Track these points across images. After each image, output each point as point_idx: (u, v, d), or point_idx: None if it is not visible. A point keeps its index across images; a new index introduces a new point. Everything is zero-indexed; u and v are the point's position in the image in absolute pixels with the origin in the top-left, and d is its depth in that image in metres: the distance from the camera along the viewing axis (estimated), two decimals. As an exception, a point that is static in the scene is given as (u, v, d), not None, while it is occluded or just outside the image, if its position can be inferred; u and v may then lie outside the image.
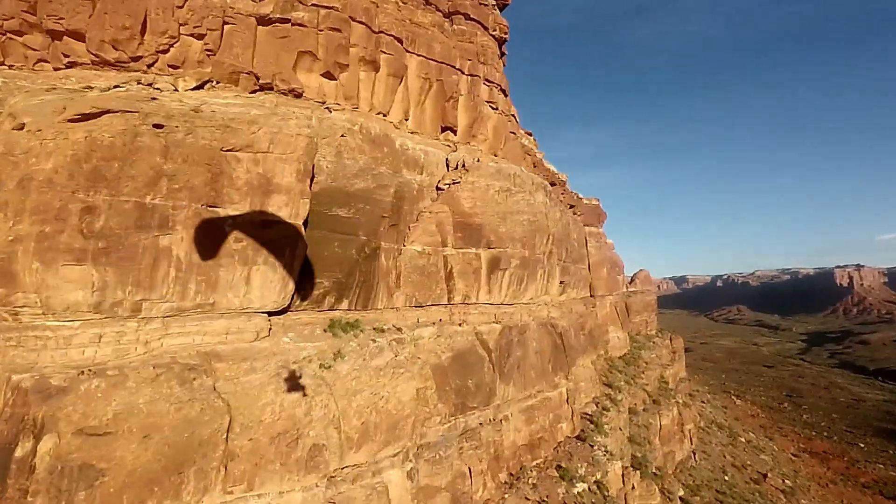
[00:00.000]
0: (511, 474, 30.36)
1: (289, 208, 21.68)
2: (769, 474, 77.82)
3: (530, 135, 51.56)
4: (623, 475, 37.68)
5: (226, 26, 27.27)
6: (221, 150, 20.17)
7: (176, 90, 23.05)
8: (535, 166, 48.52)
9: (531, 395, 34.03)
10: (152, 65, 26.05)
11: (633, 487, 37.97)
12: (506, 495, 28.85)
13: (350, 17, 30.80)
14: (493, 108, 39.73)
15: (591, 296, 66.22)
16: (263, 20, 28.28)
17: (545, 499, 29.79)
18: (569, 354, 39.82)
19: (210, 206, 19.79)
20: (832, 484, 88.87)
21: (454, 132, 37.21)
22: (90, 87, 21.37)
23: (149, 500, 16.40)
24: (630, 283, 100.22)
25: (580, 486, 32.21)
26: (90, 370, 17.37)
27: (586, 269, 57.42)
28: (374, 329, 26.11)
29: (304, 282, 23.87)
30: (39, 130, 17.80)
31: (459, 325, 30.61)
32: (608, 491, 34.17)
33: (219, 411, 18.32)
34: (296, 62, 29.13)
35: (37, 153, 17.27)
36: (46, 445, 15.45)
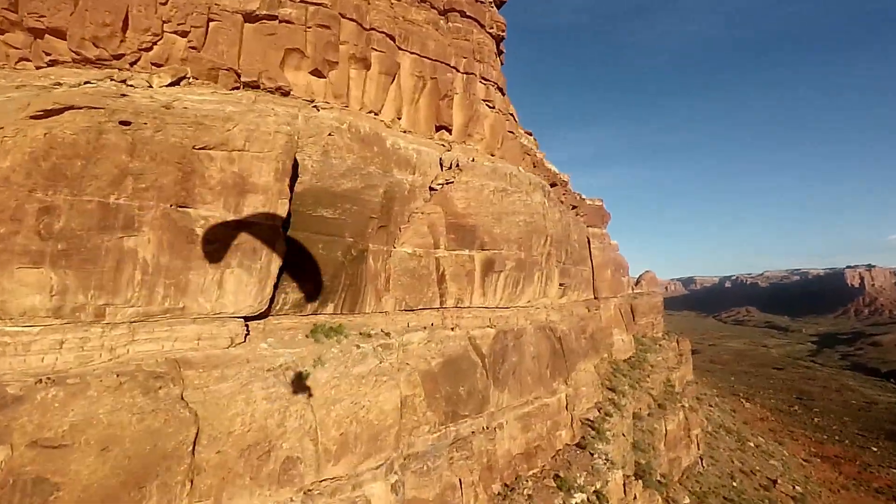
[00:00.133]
0: (505, 485, 28.86)
1: (266, 208, 20.46)
2: (779, 480, 75.37)
3: (530, 134, 50.11)
4: (624, 484, 36.01)
5: (211, 23, 26.18)
6: (193, 147, 19.01)
7: (151, 87, 21.89)
8: (535, 166, 47.06)
9: (528, 402, 32.53)
10: (135, 63, 25.01)
11: (635, 498, 36.31)
12: (499, 507, 27.43)
13: (340, 13, 29.65)
14: (489, 107, 38.37)
15: (595, 298, 64.50)
16: (250, 17, 27.19)
17: (541, 510, 28.32)
18: (568, 359, 38.24)
19: (180, 207, 18.63)
20: (844, 489, 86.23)
21: (449, 131, 35.93)
22: (60, 84, 20.32)
23: (106, 517, 15.23)
24: (636, 285, 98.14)
25: (578, 497, 30.62)
26: (49, 378, 16.23)
27: (588, 271, 55.76)
28: (361, 334, 24.81)
29: (285, 285, 22.65)
30: (1, 128, 16.76)
31: (452, 329, 29.22)
32: (608, 501, 32.54)
33: (185, 422, 17.10)
34: (283, 60, 28.00)
35: (-5, 151, 16.22)
36: (-2, 458, 14.35)
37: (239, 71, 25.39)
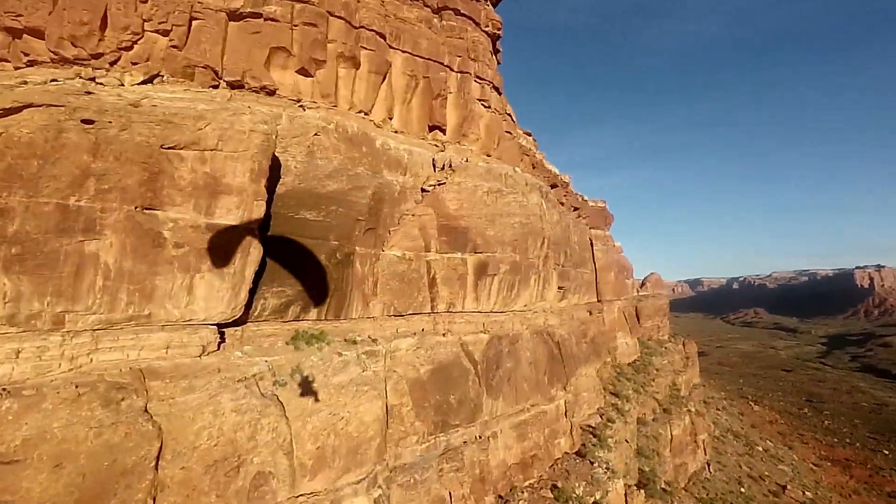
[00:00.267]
0: (499, 497, 27.37)
1: (240, 211, 19.26)
2: (788, 485, 72.97)
3: (529, 135, 48.68)
4: (626, 494, 34.33)
5: (194, 22, 25.11)
6: (161, 147, 17.86)
7: (122, 85, 20.83)
8: (534, 167, 45.62)
9: (524, 410, 31.02)
10: (115, 62, 23.96)
11: (637, 507, 34.65)
12: (492, 520, 25.97)
13: (328, 11, 28.50)
14: (485, 107, 37.02)
15: (598, 301, 62.79)
16: (234, 15, 26.12)
17: (536, 523, 26.83)
18: (567, 364, 36.69)
19: (147, 209, 17.48)
20: (855, 494, 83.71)
21: (443, 131, 34.62)
22: (25, 83, 19.28)
23: (57, 539, 14.05)
24: (641, 287, 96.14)
25: (576, 508, 29.07)
26: (4, 389, 15.11)
27: (589, 274, 54.10)
28: (346, 341, 23.52)
29: (264, 290, 21.45)
30: (-43, 128, 15.74)
31: (443, 335, 27.84)
32: (608, 512, 30.95)
33: (147, 436, 15.88)
34: (269, 59, 26.86)
35: (-53, 152, 15.18)
36: (-57, 477, 13.24)
37: (217, 69, 24.28)
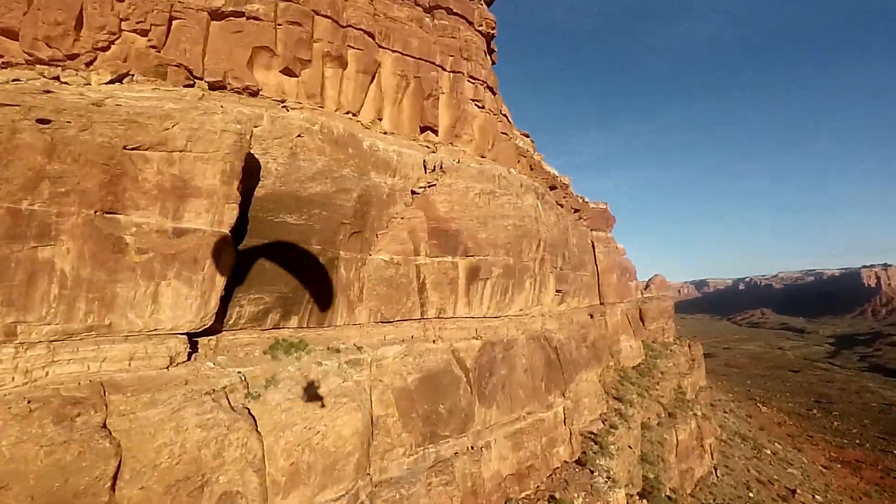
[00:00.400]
0: (493, 509, 25.88)
1: (210, 214, 18.03)
2: (798, 490, 70.55)
3: (527, 136, 47.21)
4: (627, 504, 32.69)
5: (174, 21, 24.00)
6: (125, 148, 16.67)
7: (88, 84, 19.70)
8: (531, 168, 44.13)
9: (519, 418, 29.50)
10: (91, 63, 22.94)
11: (639, 518, 32.92)
12: (485, 534, 24.46)
13: (313, 10, 27.31)
14: (479, 107, 35.65)
15: (601, 303, 61.07)
16: (216, 14, 24.99)
17: (532, 537, 25.28)
18: (566, 369, 35.10)
19: (107, 213, 16.27)
20: (866, 496, 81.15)
21: (436, 132, 33.27)
22: (-14, 83, 18.21)
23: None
24: (645, 289, 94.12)
25: (575, 520, 27.51)
26: (-48, 407, 13.98)
27: (589, 276, 52.43)
28: (329, 349, 22.19)
29: (240, 297, 20.19)
30: None
31: (433, 341, 26.45)
32: (608, 524, 29.31)
33: (103, 455, 14.60)
34: (251, 58, 25.70)
35: None
36: None
37: (192, 68, 23.09)
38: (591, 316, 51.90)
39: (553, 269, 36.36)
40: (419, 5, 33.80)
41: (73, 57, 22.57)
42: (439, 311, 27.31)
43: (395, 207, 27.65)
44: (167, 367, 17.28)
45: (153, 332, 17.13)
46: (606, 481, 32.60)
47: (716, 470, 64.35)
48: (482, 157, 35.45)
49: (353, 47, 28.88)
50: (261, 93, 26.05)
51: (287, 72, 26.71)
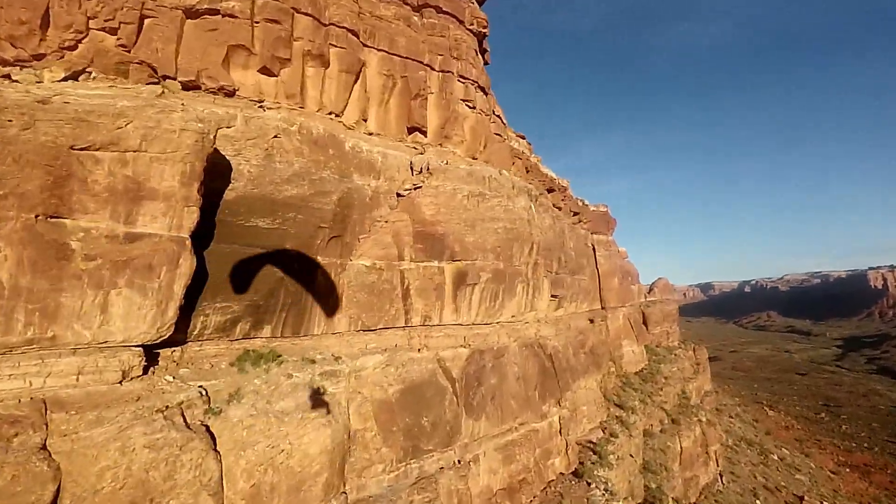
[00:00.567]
0: (481, 528, 24.18)
1: (167, 218, 16.64)
2: (806, 496, 67.91)
3: (523, 138, 45.61)
4: (626, 518, 30.78)
5: (146, 20, 22.72)
6: (72, 148, 15.32)
7: (41, 82, 18.42)
8: (527, 171, 42.48)
9: (511, 429, 27.78)
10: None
11: (638, 533, 31.01)
12: (472, 555, 22.76)
13: (293, 8, 25.95)
14: (469, 108, 34.13)
15: (602, 308, 59.16)
16: (190, 12, 23.64)
17: (523, 557, 23.53)
18: (561, 377, 33.33)
19: (51, 217, 14.91)
20: (875, 502, 78.31)
21: (424, 133, 31.77)
22: (-70, 82, 16.98)
23: None
24: (649, 293, 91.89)
25: (569, 538, 25.70)
26: None
27: (588, 281, 50.56)
28: (304, 360, 20.67)
29: (205, 306, 18.75)
30: None
31: (419, 350, 24.87)
32: (605, 541, 27.47)
33: (40, 478, 13.15)
34: (227, 57, 24.34)
35: None
36: None
37: (155, 65, 21.70)
38: (592, 321, 50.03)
39: (548, 274, 34.67)
40: (407, 4, 32.41)
41: (39, 57, 21.25)
42: (424, 318, 25.72)
43: (379, 210, 26.17)
44: (120, 382, 15.84)
45: (104, 345, 15.70)
46: (604, 494, 30.79)
47: (721, 477, 61.98)
48: (473, 158, 33.91)
49: (336, 46, 27.50)
50: (238, 93, 24.70)
51: (265, 71, 25.36)
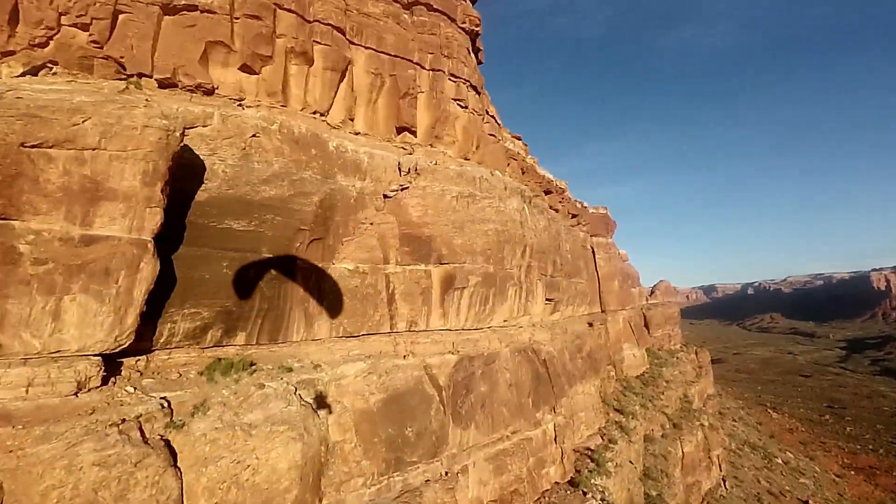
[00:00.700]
0: (469, 542, 22.84)
1: (127, 220, 15.50)
2: (811, 501, 66.08)
3: (519, 138, 44.35)
4: (623, 530, 29.33)
5: (120, 16, 21.67)
6: (22, 145, 14.21)
7: (-1, 78, 17.38)
8: (523, 172, 41.22)
9: (502, 438, 26.43)
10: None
11: (636, 545, 29.55)
12: (459, 571, 21.42)
13: (275, 4, 24.86)
14: (461, 107, 32.93)
15: (602, 311, 57.69)
16: (168, 8, 22.59)
17: (513, 573, 22.16)
18: (556, 383, 31.95)
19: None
20: (881, 505, 76.31)
21: (414, 134, 30.58)
22: None
23: None
24: (651, 296, 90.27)
25: (562, 552, 24.32)
26: None
27: (586, 284, 49.10)
28: (281, 368, 19.48)
29: (172, 312, 17.58)
30: None
31: (404, 357, 23.59)
32: (600, 555, 26.05)
33: (-24, 503, 12.04)
34: (206, 54, 23.26)
35: None
36: None
37: (123, 61, 20.64)
38: (591, 325, 48.58)
39: (542, 277, 33.34)
40: (397, 1, 31.27)
41: (8, 54, 20.22)
42: (410, 323, 24.48)
43: (364, 212, 24.96)
44: (75, 394, 14.66)
45: (57, 354, 14.54)
46: (601, 503, 29.38)
47: (724, 482, 60.26)
48: (466, 159, 32.70)
49: (321, 43, 26.37)
50: (217, 91, 23.61)
51: (246, 69, 24.26)
